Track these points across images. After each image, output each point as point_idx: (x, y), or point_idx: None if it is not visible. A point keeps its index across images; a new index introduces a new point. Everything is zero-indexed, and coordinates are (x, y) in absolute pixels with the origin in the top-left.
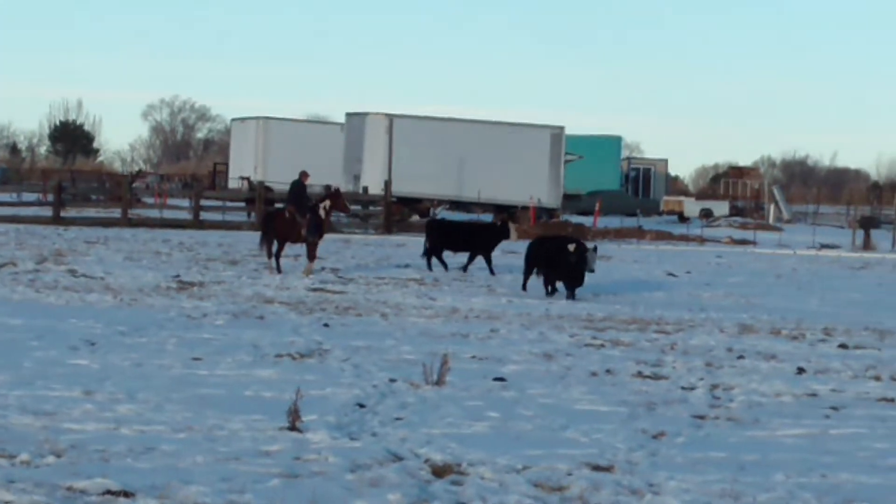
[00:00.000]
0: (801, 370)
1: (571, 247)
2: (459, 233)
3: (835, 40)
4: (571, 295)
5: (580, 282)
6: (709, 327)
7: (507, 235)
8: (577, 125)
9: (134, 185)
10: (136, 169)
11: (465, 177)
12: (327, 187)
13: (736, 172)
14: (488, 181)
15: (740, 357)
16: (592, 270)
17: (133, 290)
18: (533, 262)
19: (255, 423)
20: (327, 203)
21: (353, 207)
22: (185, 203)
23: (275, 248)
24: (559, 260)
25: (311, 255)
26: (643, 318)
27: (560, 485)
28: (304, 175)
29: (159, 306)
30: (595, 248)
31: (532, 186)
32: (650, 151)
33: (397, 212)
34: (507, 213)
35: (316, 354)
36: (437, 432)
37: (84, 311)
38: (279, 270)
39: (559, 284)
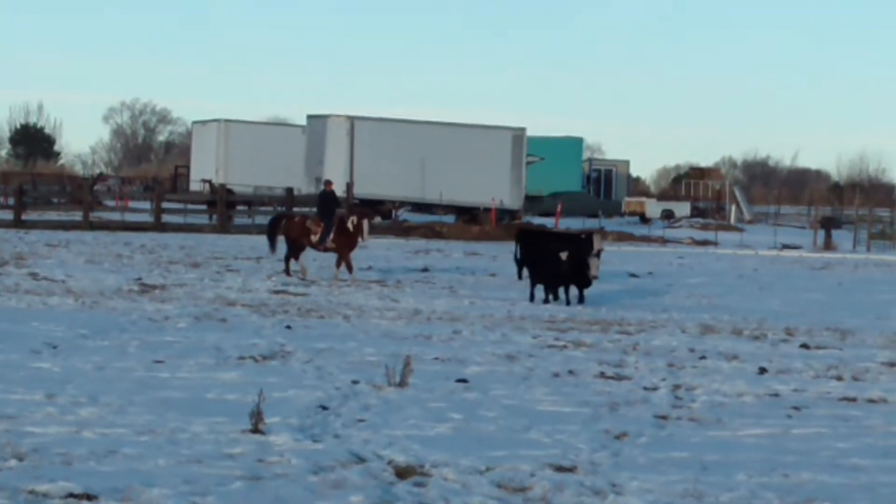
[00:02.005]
0: (762, 370)
1: (563, 255)
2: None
3: (794, 41)
4: (581, 298)
5: (587, 284)
6: (671, 328)
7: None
8: (539, 126)
9: (95, 188)
10: (98, 172)
11: (427, 178)
12: (289, 190)
13: (697, 173)
14: (450, 183)
15: (702, 357)
16: (595, 277)
17: (95, 293)
18: (531, 268)
19: (217, 425)
20: (355, 219)
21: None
22: (147, 206)
23: (286, 251)
24: (554, 266)
25: (340, 263)
26: (605, 319)
27: (523, 485)
28: (328, 184)
29: (121, 309)
30: (598, 253)
31: (494, 188)
32: (612, 152)
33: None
34: (597, 229)
35: (278, 357)
36: (399, 434)
37: (45, 314)
38: (288, 273)
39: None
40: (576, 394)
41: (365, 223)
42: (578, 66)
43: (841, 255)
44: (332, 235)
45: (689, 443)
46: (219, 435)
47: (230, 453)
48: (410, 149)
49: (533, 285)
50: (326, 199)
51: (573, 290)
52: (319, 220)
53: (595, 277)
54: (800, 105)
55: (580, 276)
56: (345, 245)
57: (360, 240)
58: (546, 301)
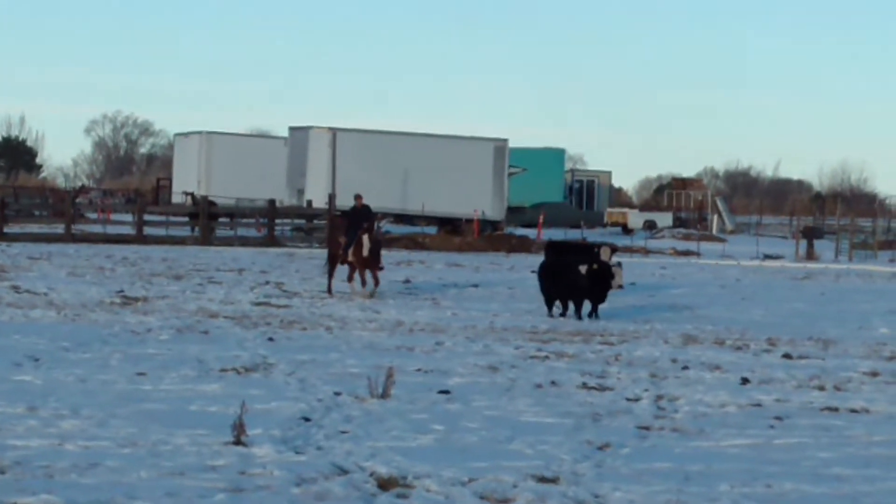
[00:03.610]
0: (745, 380)
1: (583, 269)
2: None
3: (777, 51)
4: (594, 312)
5: (602, 300)
6: (653, 338)
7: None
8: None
9: (77, 200)
10: (80, 184)
11: (409, 190)
12: (271, 202)
13: (679, 184)
14: (432, 194)
15: (685, 368)
16: (621, 286)
17: (77, 305)
18: (546, 283)
19: (199, 437)
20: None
21: (297, 221)
22: (129, 218)
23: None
24: (572, 280)
25: (352, 276)
26: (588, 329)
27: (506, 497)
28: (358, 198)
29: (103, 322)
30: (619, 264)
31: (476, 199)
32: (594, 163)
33: (331, 223)
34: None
35: (261, 368)
36: (382, 445)
37: (27, 326)
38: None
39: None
40: (558, 405)
41: (365, 239)
42: (560, 77)
43: (823, 265)
44: (352, 249)
45: (672, 453)
46: (201, 447)
47: (212, 465)
48: (392, 160)
49: (550, 299)
50: (359, 214)
51: (587, 306)
52: (345, 234)
53: (620, 287)
54: (781, 115)
55: (599, 290)
56: (359, 260)
57: (365, 257)
58: (563, 315)
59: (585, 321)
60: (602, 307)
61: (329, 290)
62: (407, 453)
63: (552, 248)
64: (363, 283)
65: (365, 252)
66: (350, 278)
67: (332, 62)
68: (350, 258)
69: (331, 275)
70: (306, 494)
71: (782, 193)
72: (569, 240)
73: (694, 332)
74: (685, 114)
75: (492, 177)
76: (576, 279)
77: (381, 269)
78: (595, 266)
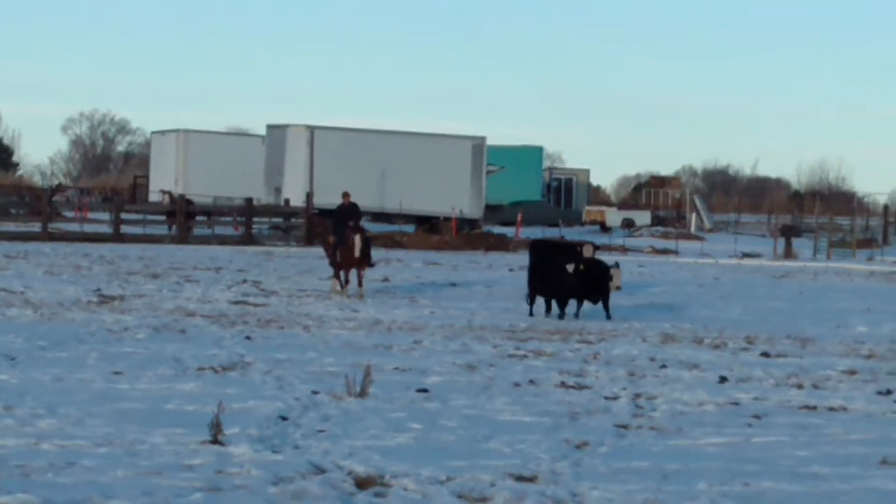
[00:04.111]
0: (723, 379)
1: (570, 267)
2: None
3: (754, 49)
4: (606, 312)
5: (606, 298)
6: (631, 337)
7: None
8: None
9: (54, 198)
10: (56, 183)
11: (386, 188)
12: (249, 200)
13: (657, 182)
14: (410, 192)
15: (663, 366)
16: (619, 287)
17: (53, 304)
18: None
19: (176, 436)
20: (349, 234)
21: (275, 220)
22: (106, 217)
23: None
24: (560, 279)
25: (348, 278)
26: (566, 328)
27: (483, 496)
28: (346, 196)
29: (80, 320)
30: (617, 264)
31: (454, 197)
32: (572, 161)
33: (319, 224)
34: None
35: (238, 367)
36: (360, 444)
37: (4, 325)
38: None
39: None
40: (536, 403)
41: (357, 239)
42: (538, 75)
43: (801, 263)
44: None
45: (650, 452)
46: (178, 446)
47: (189, 464)
48: (370, 158)
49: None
50: (346, 212)
51: (586, 304)
52: (333, 233)
53: (618, 288)
54: (760, 113)
55: (592, 289)
56: (345, 260)
57: (357, 258)
58: (552, 315)
59: (573, 321)
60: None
61: (340, 287)
62: (385, 452)
63: (536, 247)
64: (347, 282)
65: (357, 253)
66: (336, 276)
67: (310, 60)
68: (339, 258)
69: (336, 274)
70: (283, 493)
71: (760, 192)
72: (552, 238)
73: (672, 331)
74: (663, 112)
75: (470, 175)
76: (563, 278)
77: (372, 265)
78: (582, 266)
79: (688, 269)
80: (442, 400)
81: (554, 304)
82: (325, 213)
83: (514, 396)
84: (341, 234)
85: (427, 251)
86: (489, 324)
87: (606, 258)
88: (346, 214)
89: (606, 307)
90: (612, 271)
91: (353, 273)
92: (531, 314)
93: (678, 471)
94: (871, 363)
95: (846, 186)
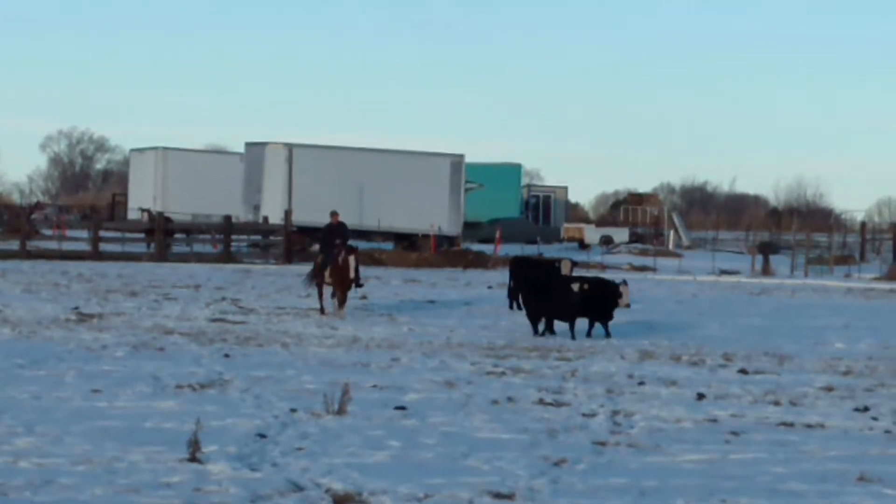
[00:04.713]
0: (701, 396)
1: (575, 287)
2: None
3: (732, 66)
4: (606, 333)
5: (609, 317)
6: (609, 354)
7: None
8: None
9: (32, 216)
10: (35, 200)
11: (365, 205)
12: (227, 217)
13: (635, 199)
14: (389, 209)
15: (641, 383)
16: (628, 305)
17: (32, 322)
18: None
19: (155, 454)
20: (344, 254)
21: (254, 237)
22: (84, 234)
23: (326, 291)
24: (561, 298)
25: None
26: (544, 345)
27: None
28: (334, 215)
29: (58, 338)
30: (625, 282)
31: (432, 214)
32: (550, 178)
33: (298, 241)
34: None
35: (216, 385)
36: (338, 462)
37: None
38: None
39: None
40: (514, 420)
41: (351, 259)
42: (517, 92)
43: (779, 280)
44: (328, 269)
45: (628, 469)
46: (156, 464)
47: (168, 482)
48: (349, 176)
49: (540, 319)
50: (334, 232)
51: (590, 324)
52: (320, 252)
53: (627, 306)
54: (738, 130)
55: (599, 308)
56: (336, 280)
57: (350, 278)
58: (542, 334)
59: (592, 340)
60: (559, 324)
61: (322, 310)
62: (363, 469)
63: (518, 264)
64: (337, 299)
65: (352, 273)
66: (332, 295)
67: (288, 78)
68: (327, 279)
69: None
70: None
71: (738, 209)
72: (532, 255)
73: (650, 348)
74: (641, 129)
75: (448, 192)
76: (569, 298)
77: (361, 285)
78: (586, 286)
79: (666, 286)
80: (420, 417)
81: (551, 324)
82: (303, 230)
83: (492, 414)
84: (328, 253)
85: (406, 268)
86: (467, 341)
87: (585, 276)
88: (335, 234)
89: (606, 325)
90: (621, 288)
91: (329, 290)
92: (540, 333)
93: (656, 487)
94: (848, 380)
95: (824, 203)
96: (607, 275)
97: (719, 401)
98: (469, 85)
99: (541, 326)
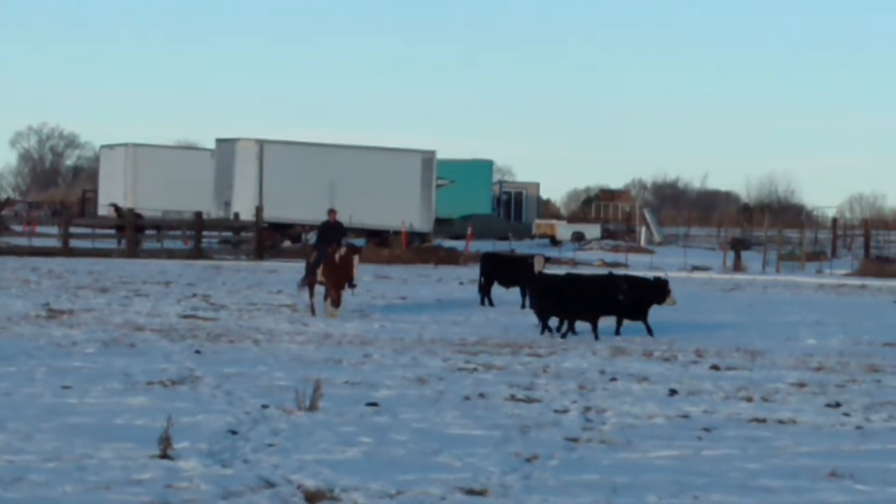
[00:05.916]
0: (673, 392)
1: (623, 289)
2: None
3: (702, 62)
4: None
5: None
6: (581, 350)
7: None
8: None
9: (2, 212)
10: (5, 197)
11: (336, 201)
12: (198, 214)
13: (607, 195)
14: (360, 206)
15: (613, 379)
16: (674, 302)
17: (2, 318)
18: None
19: (125, 451)
20: (342, 251)
21: (224, 234)
22: (55, 231)
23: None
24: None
25: (327, 296)
26: (516, 341)
27: None
28: (332, 213)
29: (28, 335)
30: (667, 281)
31: (404, 211)
32: (522, 175)
33: (269, 238)
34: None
35: (188, 381)
36: (309, 458)
37: None
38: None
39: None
40: (486, 417)
41: (355, 259)
42: (488, 89)
43: (750, 276)
44: (321, 268)
45: (600, 465)
46: (127, 461)
47: (138, 479)
48: (320, 172)
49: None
50: (331, 230)
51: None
52: (315, 249)
53: (674, 302)
54: (709, 127)
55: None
56: (332, 280)
57: (350, 278)
58: (564, 335)
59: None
60: (531, 319)
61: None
62: (334, 466)
63: (488, 259)
64: (336, 303)
65: (355, 273)
66: (325, 296)
67: (259, 74)
68: (319, 277)
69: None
70: None
71: (710, 205)
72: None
73: (622, 344)
74: (613, 126)
75: (420, 189)
76: (615, 300)
77: (354, 286)
78: (625, 286)
79: None
80: (392, 413)
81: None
82: (274, 226)
83: (463, 410)
84: (324, 251)
85: (377, 265)
86: (439, 337)
87: (557, 272)
88: (332, 232)
89: (620, 324)
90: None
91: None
92: (550, 331)
93: (628, 484)
94: (820, 376)
95: (795, 200)
96: (578, 271)
97: (691, 397)
98: (441, 81)
99: (552, 324)
